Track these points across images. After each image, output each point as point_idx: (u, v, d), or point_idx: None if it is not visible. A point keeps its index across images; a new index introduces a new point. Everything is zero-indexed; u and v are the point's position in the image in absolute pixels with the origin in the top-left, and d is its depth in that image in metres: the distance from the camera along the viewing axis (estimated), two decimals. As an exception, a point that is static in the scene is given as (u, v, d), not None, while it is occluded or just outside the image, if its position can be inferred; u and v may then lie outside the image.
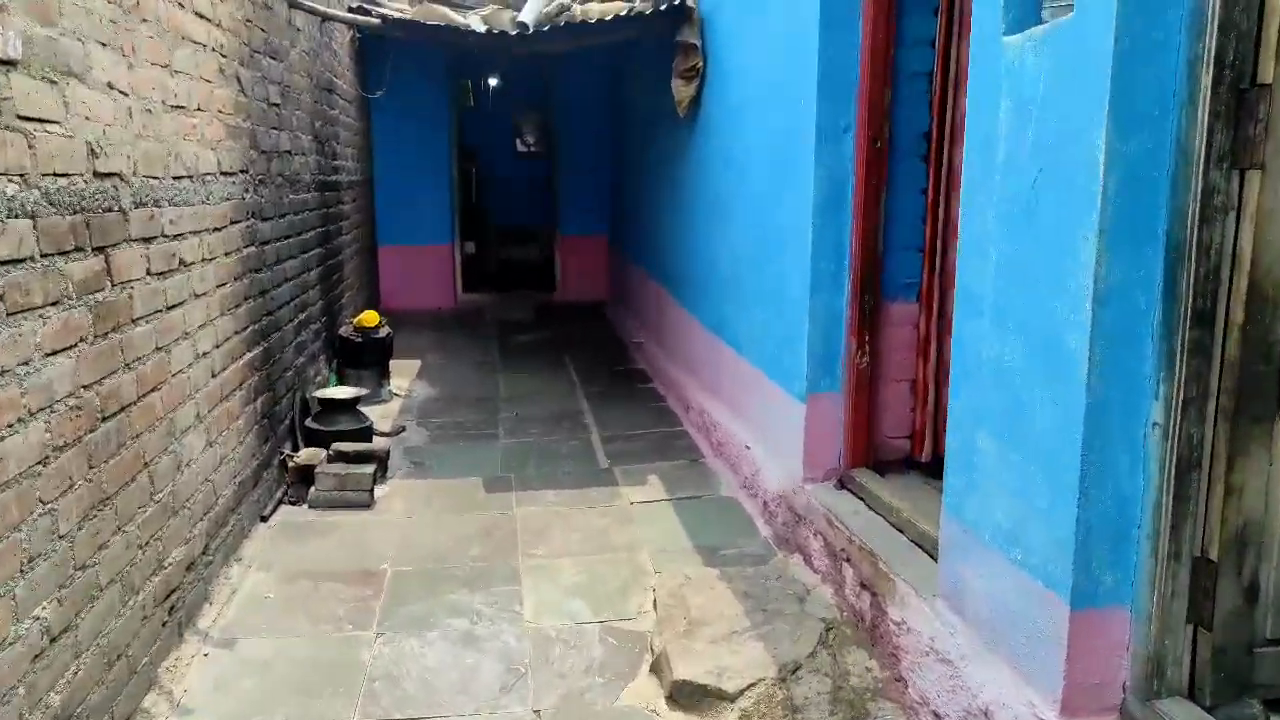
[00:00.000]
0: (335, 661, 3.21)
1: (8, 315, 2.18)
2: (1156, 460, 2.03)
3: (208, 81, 3.71)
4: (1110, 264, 2.00)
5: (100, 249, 2.68)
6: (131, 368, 2.91)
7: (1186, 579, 2.03)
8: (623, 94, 9.00)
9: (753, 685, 2.87)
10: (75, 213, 2.52)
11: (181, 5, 3.42)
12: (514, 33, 5.64)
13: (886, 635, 2.96)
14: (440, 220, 10.19)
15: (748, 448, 4.62)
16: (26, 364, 2.26)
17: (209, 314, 3.67)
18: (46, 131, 2.37)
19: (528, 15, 5.56)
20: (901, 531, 3.21)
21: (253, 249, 4.33)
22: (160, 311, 3.15)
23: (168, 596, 3.16)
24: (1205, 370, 1.99)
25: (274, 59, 4.90)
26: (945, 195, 3.48)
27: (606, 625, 3.44)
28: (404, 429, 5.92)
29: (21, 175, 2.24)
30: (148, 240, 3.04)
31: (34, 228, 2.29)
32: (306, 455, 4.81)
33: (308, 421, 5.23)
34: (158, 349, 3.13)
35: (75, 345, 2.52)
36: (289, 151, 5.20)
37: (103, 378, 2.70)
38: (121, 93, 2.84)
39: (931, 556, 2.90)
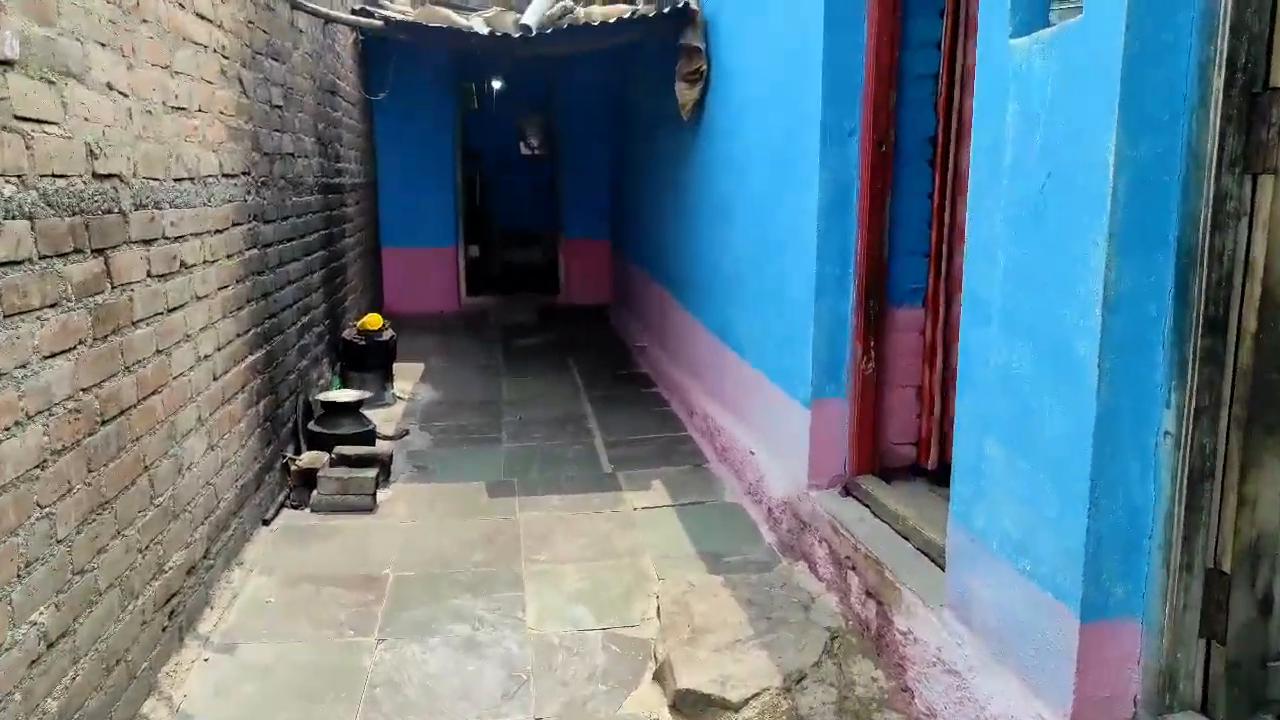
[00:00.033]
0: (336, 667, 3.19)
1: (5, 317, 2.16)
2: (1168, 470, 2.00)
3: (209, 83, 3.69)
4: (1120, 270, 1.97)
5: (100, 251, 2.66)
6: (131, 370, 2.89)
7: (1199, 591, 2.00)
8: (626, 97, 8.98)
9: (757, 695, 2.84)
10: (74, 214, 2.50)
11: (182, 6, 3.40)
12: (517, 35, 5.62)
13: (893, 645, 2.93)
14: (444, 223, 10.18)
15: (752, 453, 4.59)
16: (24, 366, 2.24)
17: (210, 316, 3.66)
18: (45, 132, 2.35)
19: (531, 17, 5.54)
20: (907, 539, 3.17)
21: (255, 251, 4.31)
22: (161, 314, 3.13)
23: (168, 601, 3.14)
24: (1218, 378, 1.96)
25: (276, 61, 4.88)
26: (951, 199, 3.45)
27: (609, 632, 3.42)
28: (407, 432, 5.90)
29: (19, 176, 2.22)
30: (148, 242, 3.02)
31: (32, 229, 2.27)
32: (309, 459, 4.79)
33: (310, 425, 5.22)
34: (158, 352, 3.11)
35: (74, 348, 2.50)
36: (292, 154, 5.18)
37: (102, 380, 2.68)
38: (121, 93, 2.82)
39: (938, 565, 2.87)
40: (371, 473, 4.71)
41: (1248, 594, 1.99)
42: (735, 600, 3.43)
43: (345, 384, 6.30)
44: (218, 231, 3.76)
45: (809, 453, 3.80)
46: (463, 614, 3.55)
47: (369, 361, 6.54)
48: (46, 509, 2.34)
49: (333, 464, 4.77)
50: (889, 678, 2.92)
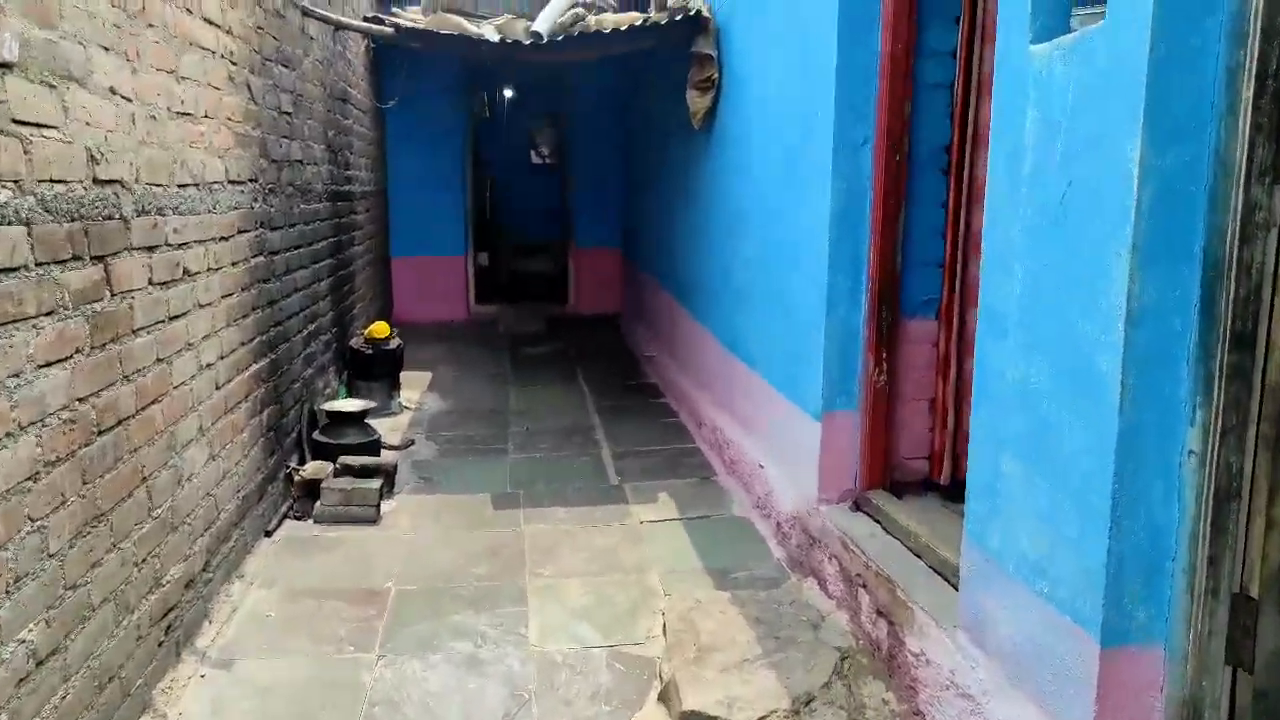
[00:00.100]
0: (335, 684, 3.13)
1: (-1, 326, 2.11)
2: (1193, 490, 1.93)
3: (216, 88, 3.65)
4: (1144, 283, 1.90)
5: (99, 258, 2.61)
6: (131, 380, 2.84)
7: (1225, 617, 1.92)
8: (638, 105, 8.95)
9: (764, 718, 2.76)
10: (73, 220, 2.46)
11: (189, 10, 3.36)
12: (528, 42, 5.58)
13: (904, 666, 2.85)
14: (454, 231, 10.15)
15: (761, 466, 4.52)
16: (17, 376, 2.19)
17: (214, 325, 3.61)
18: (44, 136, 2.31)
19: (542, 25, 5.50)
20: (920, 557, 3.10)
21: (261, 259, 4.27)
22: (162, 322, 3.09)
23: (165, 615, 3.08)
24: (1245, 396, 1.88)
25: (286, 67, 4.86)
26: (966, 209, 3.38)
27: (614, 650, 3.35)
28: (413, 442, 5.85)
29: (15, 181, 2.18)
30: (150, 249, 2.98)
31: (28, 235, 2.23)
32: (313, 469, 4.75)
33: (315, 434, 5.17)
34: (159, 360, 3.07)
35: (71, 356, 2.45)
36: (300, 161, 5.15)
37: (100, 390, 2.63)
38: (125, 98, 2.78)
39: (951, 584, 2.80)
40: (375, 484, 4.66)
41: (1276, 620, 1.91)
42: (743, 618, 3.36)
43: (352, 393, 6.26)
44: (223, 238, 3.71)
45: (819, 466, 3.73)
46: (465, 630, 3.49)
47: (376, 370, 6.49)
48: (38, 522, 2.29)
49: (336, 474, 4.72)
50: (900, 700, 2.85)
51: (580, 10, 5.88)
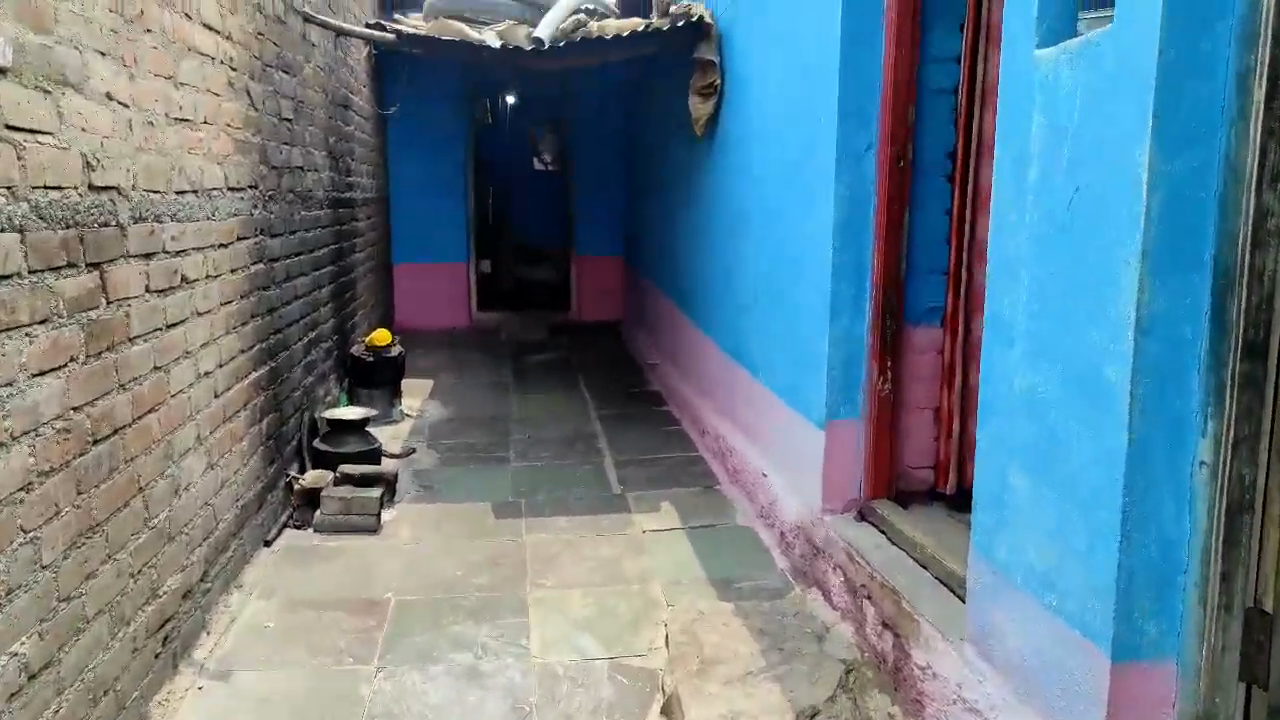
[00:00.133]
0: (334, 696, 3.09)
1: (-11, 334, 2.09)
2: (1205, 502, 1.89)
3: (215, 94, 3.63)
4: (1154, 291, 1.87)
5: (95, 265, 2.59)
6: (127, 388, 2.81)
7: (1239, 632, 1.87)
8: (640, 112, 8.93)
9: (768, 730, 2.73)
10: (68, 227, 2.43)
11: (188, 16, 3.34)
12: (529, 48, 5.56)
13: (910, 680, 2.80)
14: (456, 238, 10.14)
15: (764, 475, 4.49)
16: (10, 385, 2.16)
17: (212, 332, 3.58)
18: (38, 142, 2.28)
19: (543, 31, 5.48)
20: (925, 568, 3.06)
21: (261, 266, 4.24)
22: (160, 330, 3.06)
23: (162, 626, 3.05)
24: (1257, 406, 1.84)
25: (287, 73, 4.84)
26: (971, 216, 3.35)
27: (616, 662, 3.31)
28: (414, 451, 5.82)
29: (9, 187, 2.15)
30: (147, 256, 2.95)
31: (22, 242, 2.20)
32: (313, 478, 4.71)
33: (316, 442, 5.14)
34: (156, 368, 3.04)
35: (65, 365, 2.42)
36: (301, 167, 5.13)
37: (95, 399, 2.60)
38: (121, 104, 2.75)
39: (958, 596, 2.76)
40: (376, 492, 4.63)
41: (1291, 635, 1.87)
42: (746, 629, 3.31)
43: (353, 400, 6.24)
44: (222, 245, 3.69)
45: (823, 476, 3.69)
46: (465, 641, 3.45)
47: (377, 378, 6.47)
48: (31, 533, 2.25)
49: (337, 483, 4.69)
50: (906, 714, 2.80)
51: (582, 16, 5.86)
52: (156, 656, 3.01)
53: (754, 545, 4.34)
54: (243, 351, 3.98)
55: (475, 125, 10.43)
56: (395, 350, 6.64)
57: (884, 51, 3.47)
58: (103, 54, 2.64)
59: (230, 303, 3.80)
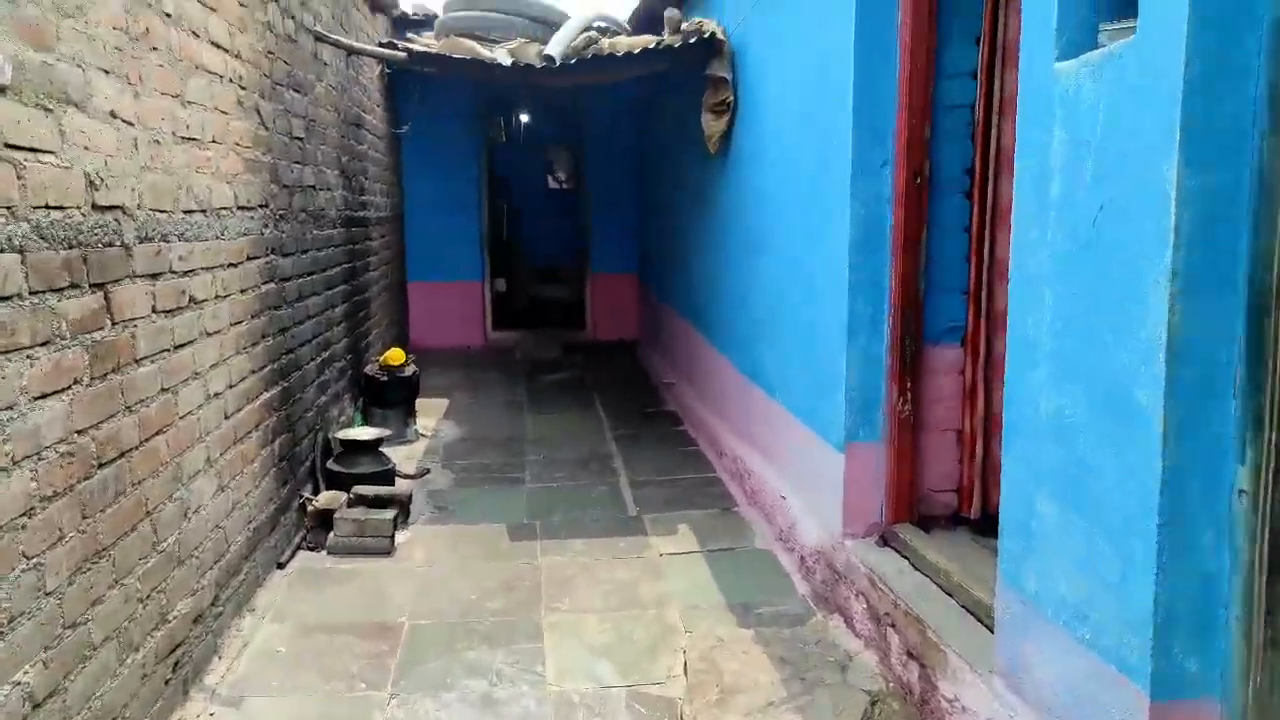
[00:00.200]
0: (343, 724, 3.03)
1: (-10, 357, 2.05)
2: (1245, 532, 1.80)
3: (224, 113, 3.61)
4: (1185, 312, 1.79)
5: (99, 285, 2.55)
6: (133, 410, 2.77)
7: (1284, 668, 1.79)
8: (652, 129, 8.91)
9: (788, 764, 2.65)
10: (71, 247, 2.40)
11: (196, 34, 3.32)
12: (540, 66, 5.54)
13: (938, 712, 2.72)
14: (470, 257, 10.13)
15: (783, 497, 4.41)
16: (10, 409, 2.12)
17: (222, 353, 3.55)
18: (39, 161, 2.25)
19: (554, 48, 5.46)
20: (951, 596, 2.97)
21: (272, 285, 4.21)
22: (167, 351, 3.02)
23: (172, 652, 3.00)
24: (1299, 432, 1.77)
25: (298, 92, 4.83)
26: (991, 233, 3.29)
27: (634, 690, 3.23)
28: (428, 471, 5.77)
29: (8, 207, 2.12)
30: (154, 276, 2.92)
31: (22, 262, 2.17)
32: (326, 499, 4.67)
33: (329, 463, 5.10)
34: (164, 390, 3.00)
35: (69, 387, 2.39)
36: (313, 186, 5.11)
37: (100, 421, 2.56)
38: (126, 122, 2.72)
39: (986, 626, 2.67)
40: (389, 514, 4.57)
41: (1338, 672, 1.78)
42: (767, 658, 3.24)
43: (367, 420, 6.20)
44: (232, 265, 3.66)
45: (843, 499, 3.62)
46: (479, 667, 3.38)
47: (391, 397, 6.43)
48: (34, 559, 2.21)
49: (350, 504, 4.64)
50: (931, 746, 2.72)
51: (593, 34, 5.84)
52: (166, 683, 2.96)
53: (773, 569, 4.26)
54: (254, 372, 3.95)
55: (489, 143, 10.44)
56: (409, 369, 6.61)
57: (898, 67, 3.42)
58: (106, 72, 2.61)
59: (240, 323, 3.77)
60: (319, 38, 5.24)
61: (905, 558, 3.34)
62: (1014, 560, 2.36)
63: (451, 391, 8.02)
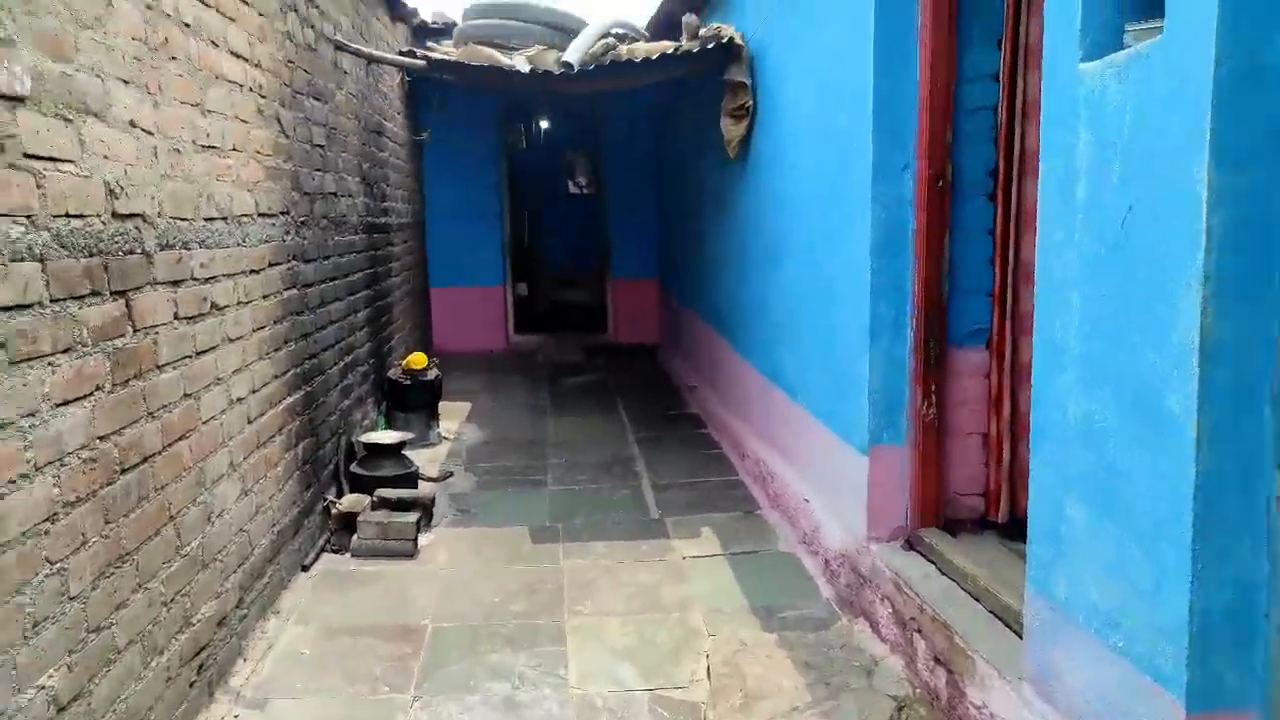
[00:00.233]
0: (366, 729, 3.03)
1: (11, 364, 2.05)
2: (1283, 539, 1.76)
3: (245, 122, 3.62)
4: (1218, 315, 1.75)
5: (120, 293, 2.56)
6: (156, 416, 2.78)
7: (1325, 680, 1.75)
8: (671, 134, 8.90)
9: (812, 771, 2.62)
10: (91, 255, 2.41)
11: (215, 44, 3.34)
12: (558, 72, 5.53)
13: (966, 719, 2.67)
14: (492, 262, 10.16)
15: (806, 500, 4.37)
16: (32, 415, 2.13)
17: (245, 359, 3.56)
18: (59, 171, 2.26)
19: (573, 55, 5.45)
20: (978, 600, 2.93)
21: (294, 291, 4.23)
22: (189, 357, 3.03)
23: (196, 655, 3.01)
24: (1338, 436, 1.72)
25: (319, 100, 4.85)
26: (1015, 235, 3.25)
27: (656, 694, 3.20)
28: (451, 474, 5.78)
29: (28, 216, 2.13)
30: (175, 283, 2.93)
31: (43, 271, 2.18)
32: (349, 502, 4.68)
33: (353, 466, 5.12)
34: (186, 395, 3.01)
35: (91, 394, 2.40)
36: (334, 193, 5.13)
37: (123, 427, 2.57)
38: (146, 131, 2.73)
39: (1014, 631, 2.63)
40: (412, 517, 4.58)
41: (1380, 682, 1.73)
42: (791, 662, 3.21)
43: (390, 424, 6.21)
44: (253, 271, 3.67)
45: (867, 503, 3.58)
46: (502, 670, 3.37)
47: (413, 401, 6.45)
48: (57, 564, 2.22)
49: (373, 507, 4.65)
50: (958, 755, 2.68)
51: (611, 40, 5.82)
52: (191, 685, 2.97)
53: (797, 573, 4.22)
54: (276, 377, 3.96)
55: (509, 150, 10.46)
56: (432, 373, 6.62)
57: (919, 69, 3.38)
58: (126, 81, 2.63)
59: (263, 328, 3.78)
60: (339, 46, 5.26)
61: (931, 562, 3.30)
62: (1043, 566, 2.32)
63: (474, 395, 8.04)
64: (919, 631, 3.03)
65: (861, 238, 3.56)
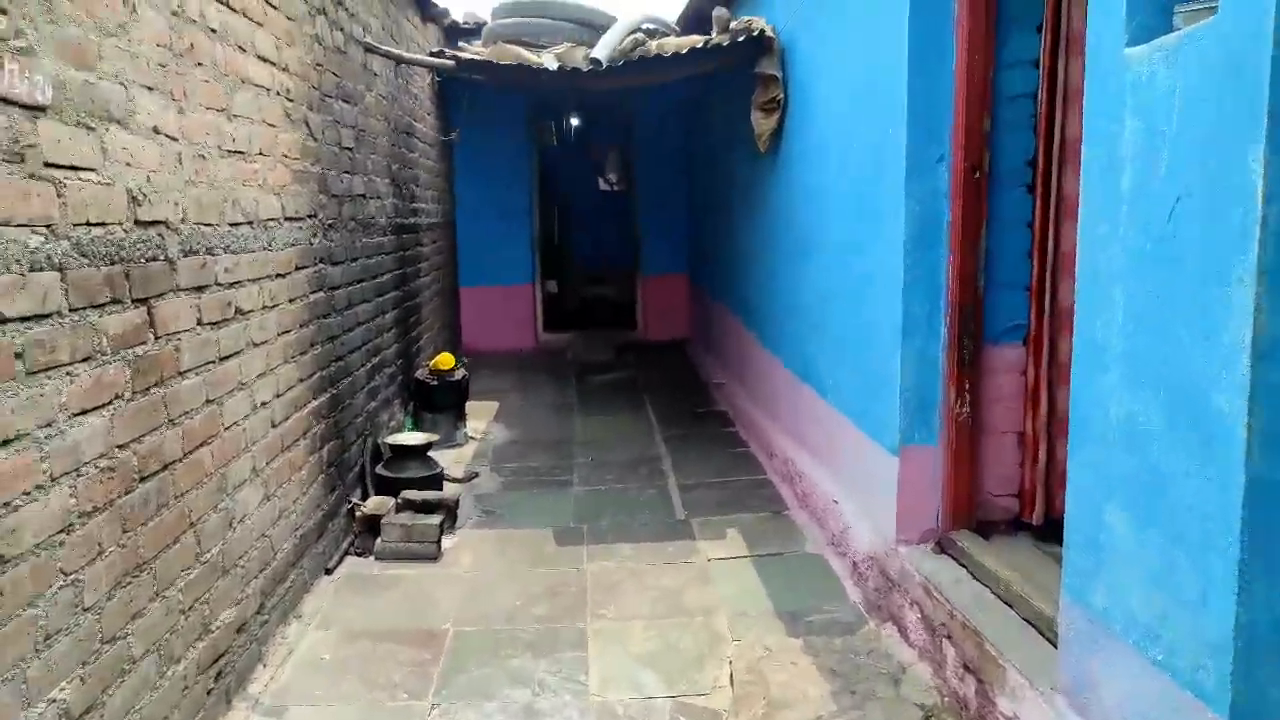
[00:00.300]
0: (387, 736, 3.00)
1: (27, 374, 2.03)
2: (1338, 550, 1.67)
3: (272, 126, 3.60)
4: (1273, 312, 1.65)
5: (142, 300, 2.54)
6: (177, 423, 2.76)
7: (1381, 698, 1.65)
8: (701, 129, 8.82)
9: (841, 784, 2.55)
10: (113, 263, 2.39)
11: (242, 49, 3.31)
12: (587, 69, 5.48)
13: (996, 732, 2.60)
14: (521, 260, 10.15)
15: (835, 501, 4.29)
16: (48, 426, 2.11)
17: (269, 362, 3.54)
18: (80, 179, 2.24)
19: (601, 51, 5.40)
20: (1011, 606, 2.84)
21: (321, 294, 4.21)
22: (212, 363, 3.02)
23: (214, 662, 2.99)
24: (1397, 440, 1.62)
25: (348, 103, 4.83)
26: (1055, 228, 3.15)
27: (678, 701, 3.15)
28: (476, 475, 5.75)
29: (48, 226, 2.11)
30: (199, 289, 2.91)
31: (62, 280, 2.16)
32: (374, 504, 4.67)
33: (378, 468, 5.10)
34: (208, 401, 2.99)
35: (110, 403, 2.38)
36: (363, 195, 5.11)
37: (142, 435, 2.55)
38: (170, 138, 2.71)
39: (1048, 640, 2.54)
40: (436, 519, 4.55)
41: None
42: (816, 669, 3.13)
43: (417, 424, 6.21)
44: (279, 275, 3.66)
45: (897, 504, 3.49)
46: (523, 676, 3.33)
47: (440, 401, 6.43)
48: (72, 575, 2.20)
49: (398, 509, 4.63)
50: (993, 768, 2.60)
51: (640, 35, 5.77)
52: (208, 693, 2.95)
53: (824, 575, 4.14)
54: (301, 380, 3.94)
55: (539, 147, 10.44)
56: (459, 374, 6.61)
57: (955, 57, 3.29)
58: (150, 88, 2.61)
59: (289, 332, 3.77)
60: (368, 49, 5.25)
61: (963, 565, 3.21)
62: (1080, 574, 2.22)
63: (503, 394, 8.02)
64: (948, 638, 2.95)
65: (894, 232, 3.48)
